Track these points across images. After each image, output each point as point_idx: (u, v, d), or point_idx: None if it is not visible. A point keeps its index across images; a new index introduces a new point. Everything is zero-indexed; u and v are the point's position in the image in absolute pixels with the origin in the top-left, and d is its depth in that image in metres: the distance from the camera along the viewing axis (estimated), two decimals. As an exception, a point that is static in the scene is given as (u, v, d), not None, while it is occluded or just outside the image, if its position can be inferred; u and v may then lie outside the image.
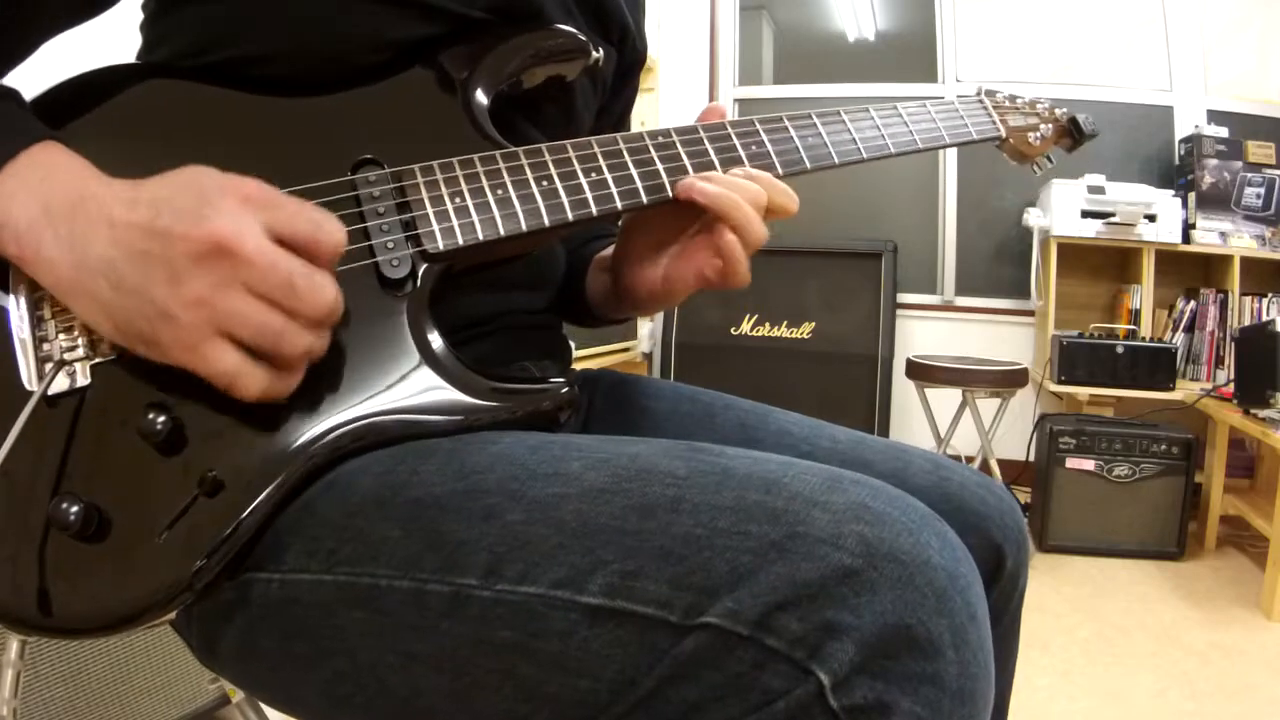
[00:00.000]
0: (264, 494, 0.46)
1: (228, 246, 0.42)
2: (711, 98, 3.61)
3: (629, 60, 0.77)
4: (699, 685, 0.38)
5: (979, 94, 0.80)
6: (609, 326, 0.83)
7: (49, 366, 0.47)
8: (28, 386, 0.47)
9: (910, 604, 0.37)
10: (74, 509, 0.44)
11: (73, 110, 0.51)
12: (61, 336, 0.48)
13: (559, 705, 0.41)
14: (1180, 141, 3.12)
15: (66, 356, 0.47)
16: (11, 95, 0.50)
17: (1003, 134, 0.78)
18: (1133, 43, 3.25)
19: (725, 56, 3.65)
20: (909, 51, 3.55)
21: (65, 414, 0.47)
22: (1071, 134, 0.85)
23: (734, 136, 0.63)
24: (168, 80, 0.56)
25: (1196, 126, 3.05)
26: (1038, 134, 0.82)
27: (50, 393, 0.47)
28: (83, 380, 0.47)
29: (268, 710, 1.23)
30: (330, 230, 0.46)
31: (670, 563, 0.39)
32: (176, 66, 0.57)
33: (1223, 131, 3.02)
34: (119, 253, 0.43)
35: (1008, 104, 0.80)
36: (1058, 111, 0.84)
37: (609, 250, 0.73)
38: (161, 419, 0.46)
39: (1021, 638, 0.68)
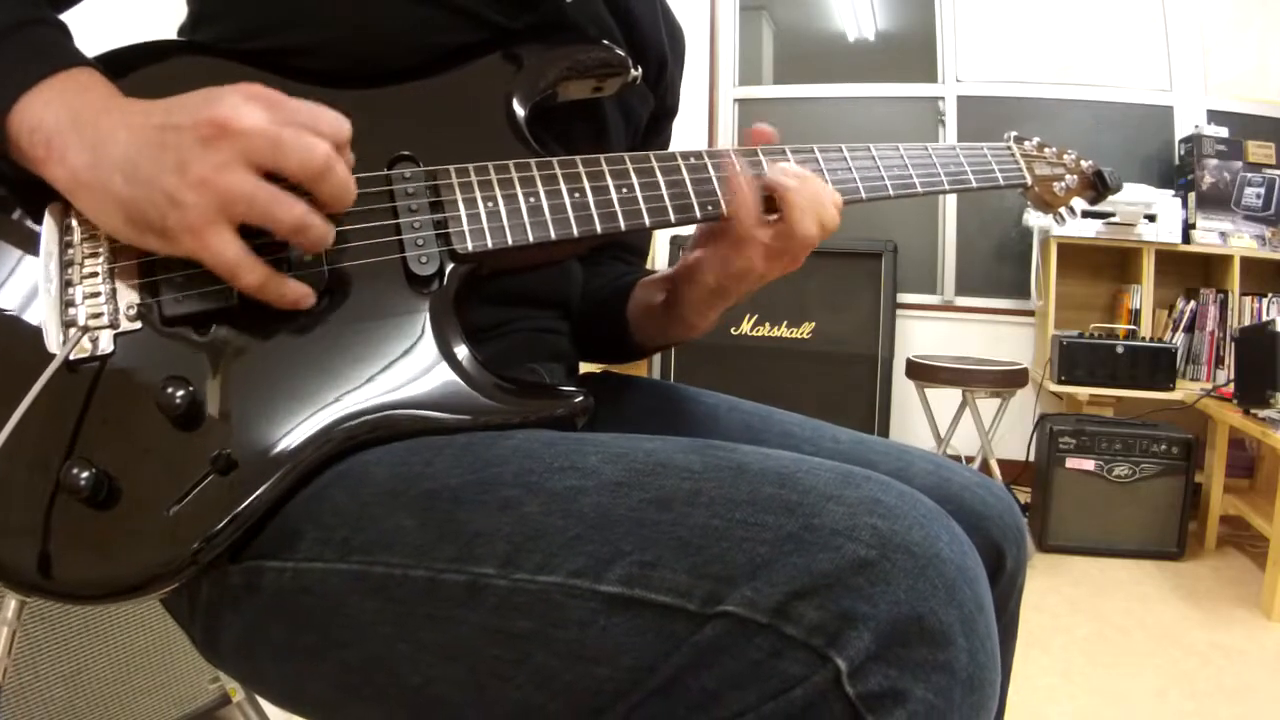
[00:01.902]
0: (275, 476, 0.47)
1: (226, 124, 0.45)
2: (711, 97, 3.61)
3: (660, 108, 0.79)
4: (717, 672, 0.38)
5: (1008, 140, 0.80)
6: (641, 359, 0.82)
7: (73, 331, 0.48)
8: (51, 349, 0.47)
9: (923, 594, 0.38)
10: (84, 474, 0.44)
11: (117, 80, 0.51)
12: (87, 303, 0.48)
13: (574, 694, 0.41)
14: (1180, 141, 3.12)
15: (91, 323, 0.48)
16: (66, 31, 0.53)
17: (1029, 181, 0.79)
18: (1133, 43, 3.25)
19: (725, 56, 3.65)
20: (909, 51, 3.55)
21: (85, 380, 0.48)
22: (1095, 186, 0.85)
23: (764, 163, 0.64)
24: (212, 59, 0.57)
25: (1196, 126, 3.05)
26: (1063, 184, 0.82)
27: (71, 357, 0.47)
28: (105, 348, 0.48)
29: (269, 709, 1.23)
30: (330, 119, 0.48)
31: (688, 553, 0.40)
32: (220, 48, 0.58)
33: (1223, 131, 3.02)
34: (135, 150, 0.46)
35: (1035, 152, 0.81)
36: (1084, 164, 0.85)
37: (656, 276, 0.74)
38: (180, 393, 0.46)
39: (1021, 638, 0.69)
